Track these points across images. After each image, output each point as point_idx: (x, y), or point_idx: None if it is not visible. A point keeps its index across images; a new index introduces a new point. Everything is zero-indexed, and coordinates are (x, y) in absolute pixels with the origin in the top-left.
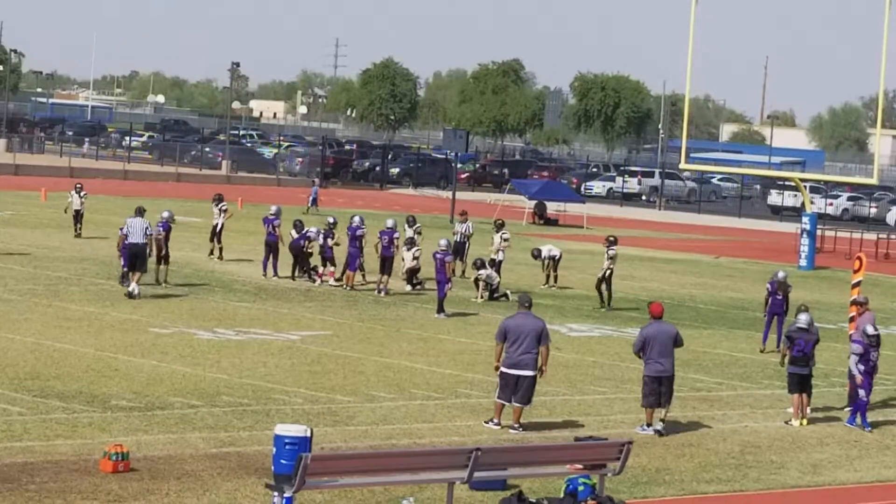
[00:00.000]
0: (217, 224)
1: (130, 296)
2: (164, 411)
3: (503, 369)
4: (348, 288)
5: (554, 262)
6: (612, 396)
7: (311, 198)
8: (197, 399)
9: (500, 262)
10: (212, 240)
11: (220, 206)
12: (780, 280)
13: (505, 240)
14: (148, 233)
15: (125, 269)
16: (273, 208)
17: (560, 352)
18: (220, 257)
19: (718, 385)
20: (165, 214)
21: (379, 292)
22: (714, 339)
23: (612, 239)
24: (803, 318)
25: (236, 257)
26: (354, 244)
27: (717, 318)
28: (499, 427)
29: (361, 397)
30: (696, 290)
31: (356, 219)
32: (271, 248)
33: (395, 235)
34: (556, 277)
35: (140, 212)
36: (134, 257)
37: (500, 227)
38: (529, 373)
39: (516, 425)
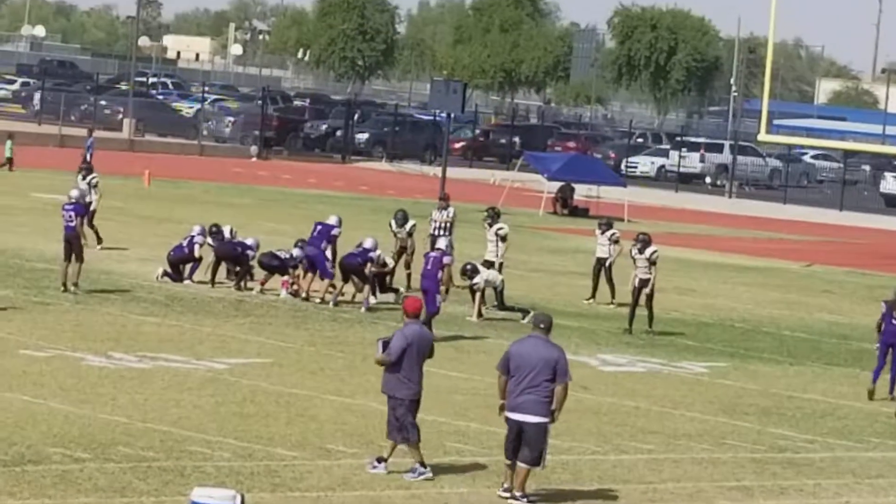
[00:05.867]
0: (90, 202)
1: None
2: (37, 467)
3: (506, 413)
4: (319, 301)
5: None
6: (660, 456)
7: (87, 150)
8: (84, 451)
9: (501, 264)
10: (90, 225)
11: (88, 178)
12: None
13: (501, 237)
14: None
15: None
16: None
17: (588, 392)
18: (99, 241)
19: (809, 444)
20: (74, 193)
21: (335, 304)
22: (804, 380)
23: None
24: None
25: (142, 254)
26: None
27: (809, 349)
28: (508, 495)
29: (312, 452)
30: (778, 311)
31: (333, 218)
32: None
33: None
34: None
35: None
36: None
37: (494, 218)
38: (534, 419)
39: (519, 493)
